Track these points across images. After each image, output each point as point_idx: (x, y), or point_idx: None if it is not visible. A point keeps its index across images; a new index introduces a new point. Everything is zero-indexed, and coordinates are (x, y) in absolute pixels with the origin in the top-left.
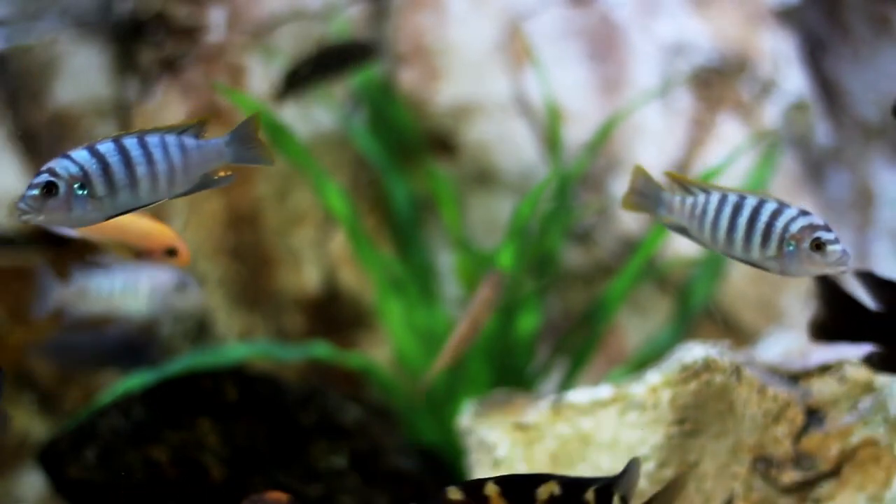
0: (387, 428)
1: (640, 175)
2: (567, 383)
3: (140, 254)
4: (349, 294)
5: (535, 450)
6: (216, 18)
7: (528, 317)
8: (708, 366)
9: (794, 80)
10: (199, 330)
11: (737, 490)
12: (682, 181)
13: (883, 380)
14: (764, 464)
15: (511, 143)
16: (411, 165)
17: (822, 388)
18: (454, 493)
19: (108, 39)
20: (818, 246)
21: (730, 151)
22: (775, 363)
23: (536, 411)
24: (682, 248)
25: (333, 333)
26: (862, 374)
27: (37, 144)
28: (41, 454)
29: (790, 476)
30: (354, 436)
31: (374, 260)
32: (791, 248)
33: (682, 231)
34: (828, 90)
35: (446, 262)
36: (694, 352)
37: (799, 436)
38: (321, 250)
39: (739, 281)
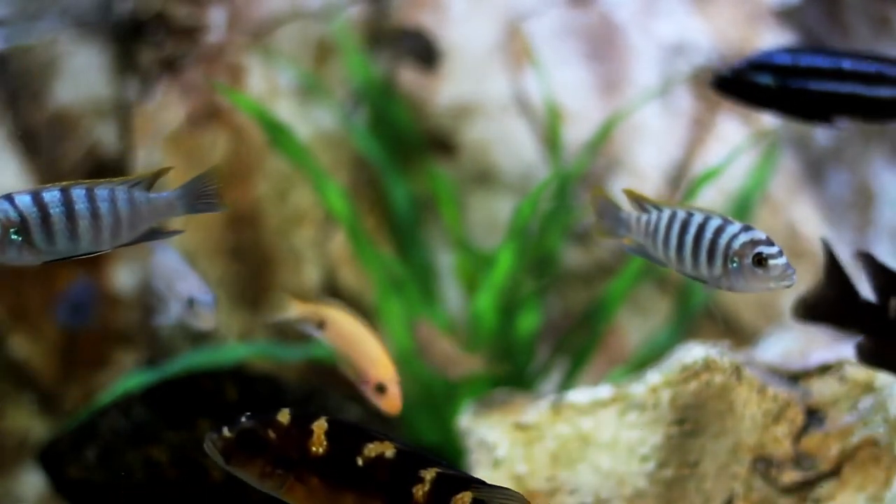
0: (387, 428)
1: (600, 198)
2: (567, 383)
3: (358, 374)
4: (349, 294)
5: (535, 450)
6: (216, 18)
7: (528, 317)
8: (708, 366)
9: None
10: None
11: (737, 490)
12: (638, 199)
13: (883, 380)
14: (764, 464)
15: (511, 143)
16: (411, 165)
17: (822, 388)
18: (283, 415)
19: (108, 39)
20: (760, 261)
21: (730, 151)
22: (775, 363)
23: (536, 411)
24: None
25: None
26: (862, 374)
27: (37, 144)
28: (41, 454)
29: (790, 476)
30: None
31: (374, 260)
32: (735, 264)
33: (644, 252)
34: None
35: (446, 262)
36: (694, 352)
37: (799, 436)
38: (321, 250)
39: None
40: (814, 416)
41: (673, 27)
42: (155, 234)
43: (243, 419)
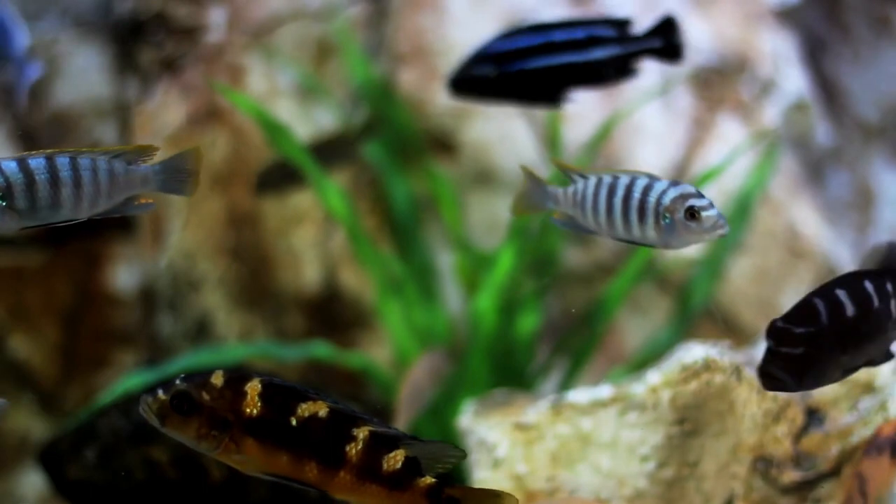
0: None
1: (528, 176)
2: (567, 383)
3: None
4: (349, 294)
5: (535, 450)
6: (216, 18)
7: (528, 317)
8: (708, 366)
9: (794, 80)
10: (199, 330)
11: (737, 490)
12: (565, 169)
13: (883, 380)
14: (764, 464)
15: (511, 143)
16: (411, 165)
17: (823, 388)
18: (217, 377)
19: (108, 39)
20: (692, 214)
21: (730, 151)
22: None
23: (536, 411)
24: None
25: (333, 333)
26: (862, 374)
27: (37, 144)
28: (41, 454)
29: (790, 476)
30: None
31: (374, 260)
32: (667, 220)
33: (574, 224)
34: (828, 90)
35: (446, 262)
36: (694, 352)
37: (799, 436)
38: (321, 250)
39: (739, 281)
40: (814, 416)
41: None
42: (129, 205)
43: (178, 381)
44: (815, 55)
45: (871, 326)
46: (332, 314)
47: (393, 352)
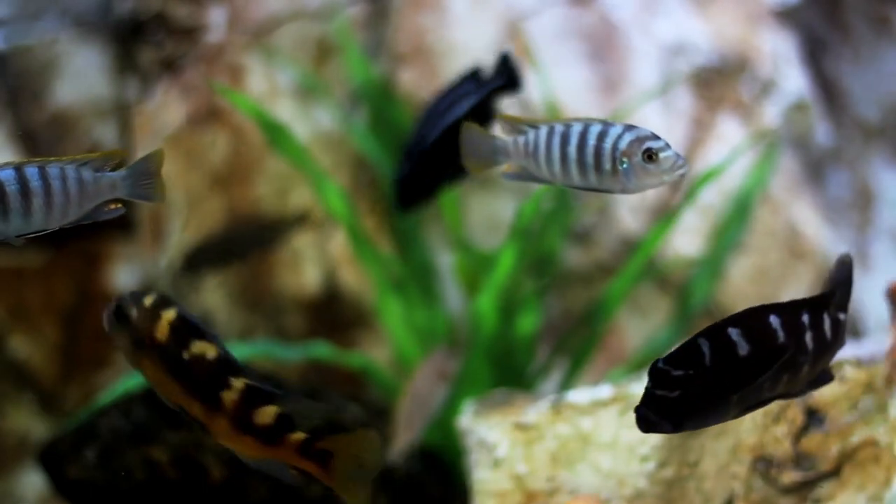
0: (387, 428)
1: (470, 132)
2: (567, 383)
3: None
4: (349, 294)
5: (534, 450)
6: (216, 18)
7: (528, 317)
8: None
9: (794, 80)
10: None
11: (737, 490)
12: (513, 122)
13: (883, 380)
14: (764, 464)
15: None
16: None
17: (822, 389)
18: (149, 298)
19: (108, 39)
20: (650, 157)
21: (730, 151)
22: None
23: (536, 411)
24: (682, 247)
25: (333, 333)
26: (862, 374)
27: (37, 144)
28: (41, 454)
29: (790, 476)
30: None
31: (374, 260)
32: (625, 165)
33: (526, 175)
34: (828, 90)
35: (446, 262)
36: None
37: (799, 436)
38: (321, 250)
39: (739, 281)
40: (814, 416)
41: (673, 27)
42: (98, 212)
43: (129, 293)
44: (815, 55)
45: (773, 364)
46: (332, 314)
47: (393, 352)
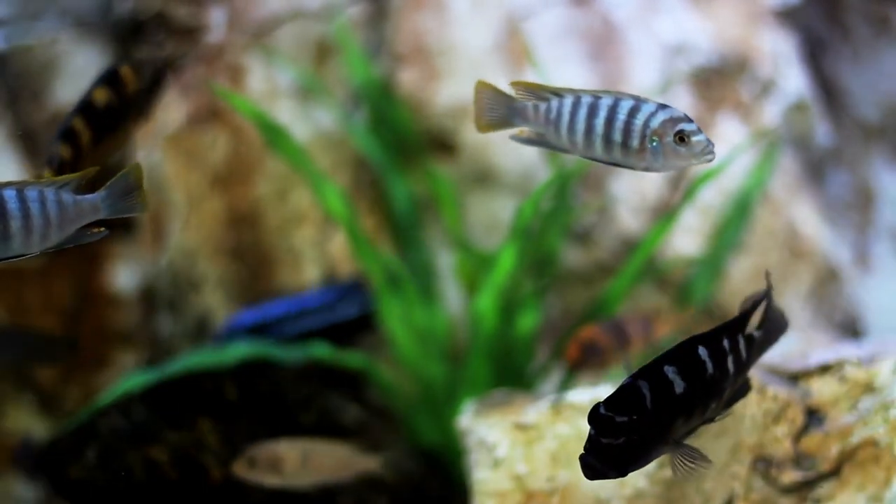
0: (387, 428)
1: (485, 90)
2: (567, 383)
3: None
4: None
5: (534, 449)
6: (216, 18)
7: (528, 317)
8: None
9: (794, 80)
10: (199, 330)
11: (737, 490)
12: (533, 88)
13: (883, 380)
14: (764, 464)
15: (511, 143)
16: (411, 165)
17: (822, 388)
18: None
19: (108, 39)
20: (682, 138)
21: (730, 151)
22: (775, 363)
23: (536, 411)
24: (682, 247)
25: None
26: (862, 374)
27: (37, 144)
28: (41, 454)
29: (790, 476)
30: (354, 436)
31: (374, 260)
32: (654, 143)
33: (541, 142)
34: (828, 90)
35: (446, 262)
36: None
37: (799, 436)
38: (321, 250)
39: (739, 281)
40: (814, 416)
41: (673, 27)
42: (81, 235)
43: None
44: (815, 55)
45: (707, 394)
46: None
47: (393, 352)
